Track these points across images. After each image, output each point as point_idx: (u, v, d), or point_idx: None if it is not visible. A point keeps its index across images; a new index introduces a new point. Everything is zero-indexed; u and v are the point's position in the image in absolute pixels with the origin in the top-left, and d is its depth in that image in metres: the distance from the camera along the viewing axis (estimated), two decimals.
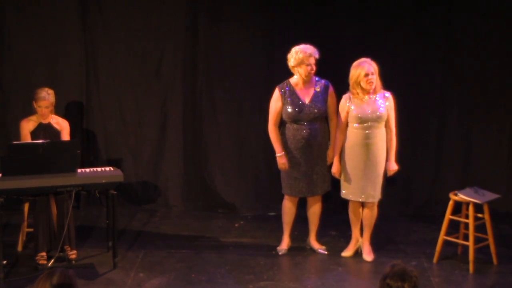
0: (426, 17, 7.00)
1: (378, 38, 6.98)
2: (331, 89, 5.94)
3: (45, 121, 6.09)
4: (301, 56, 5.79)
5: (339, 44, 6.97)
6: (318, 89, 5.91)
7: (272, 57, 7.05)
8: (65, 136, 6.16)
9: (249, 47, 7.17)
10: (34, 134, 6.04)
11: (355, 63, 5.73)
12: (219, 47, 7.17)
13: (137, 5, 7.14)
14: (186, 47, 7.19)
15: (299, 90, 5.91)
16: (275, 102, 5.95)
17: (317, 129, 5.90)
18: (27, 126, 6.06)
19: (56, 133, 6.12)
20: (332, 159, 5.93)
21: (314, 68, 5.84)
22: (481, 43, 6.98)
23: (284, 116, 5.93)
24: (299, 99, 5.88)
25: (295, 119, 5.87)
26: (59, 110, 6.80)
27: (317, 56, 5.82)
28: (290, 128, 5.93)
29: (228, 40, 7.16)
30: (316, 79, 5.94)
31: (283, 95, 5.91)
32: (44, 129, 6.07)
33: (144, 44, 7.18)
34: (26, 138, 6.02)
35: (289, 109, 5.87)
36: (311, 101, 5.87)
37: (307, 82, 5.90)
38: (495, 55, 6.99)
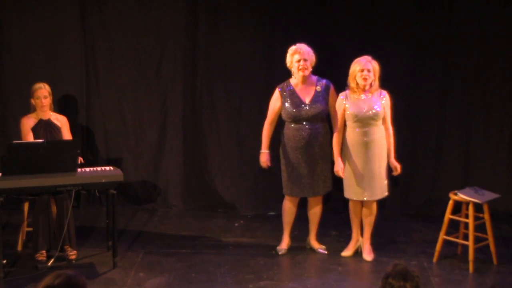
0: (426, 17, 7.00)
1: (378, 38, 6.98)
2: (332, 89, 5.93)
3: (45, 117, 6.09)
4: (289, 54, 5.85)
5: (339, 44, 6.97)
6: (319, 89, 5.91)
7: (272, 57, 7.05)
8: (66, 132, 6.17)
9: (249, 47, 7.17)
10: (35, 130, 6.04)
11: (356, 59, 5.76)
12: (219, 47, 7.17)
13: (136, 4, 7.14)
14: (186, 47, 7.19)
15: (299, 90, 5.91)
16: (274, 101, 5.97)
17: (318, 128, 5.89)
18: (28, 122, 6.06)
19: (57, 128, 6.12)
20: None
21: (306, 65, 5.82)
22: (481, 43, 6.98)
23: (284, 116, 5.94)
24: (299, 98, 5.88)
25: (295, 118, 5.88)
26: (59, 109, 6.81)
27: (306, 51, 5.80)
28: (290, 127, 5.93)
29: (228, 40, 7.16)
30: (317, 78, 5.95)
31: (282, 95, 5.92)
32: (45, 125, 6.07)
33: (144, 44, 7.19)
34: (28, 134, 6.02)
35: (289, 109, 5.88)
36: (312, 101, 5.87)
37: (306, 81, 5.90)
38: (495, 55, 6.99)
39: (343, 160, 5.88)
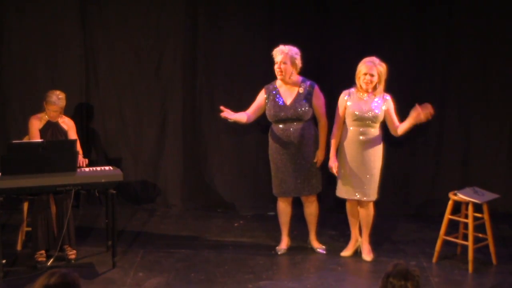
0: (426, 17, 7.00)
1: (378, 38, 6.98)
2: (316, 91, 5.89)
3: (53, 120, 6.09)
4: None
5: (339, 44, 6.98)
6: (301, 91, 5.89)
7: (272, 57, 7.04)
8: (73, 135, 6.17)
9: (249, 47, 7.17)
10: (43, 131, 6.04)
11: (364, 59, 5.73)
12: (219, 46, 7.17)
13: (136, 4, 7.15)
14: (186, 46, 7.20)
15: (283, 91, 5.92)
16: (259, 99, 5.98)
17: (302, 129, 5.87)
18: (37, 123, 6.03)
19: (63, 131, 6.12)
20: (321, 160, 5.91)
21: (282, 69, 5.81)
22: (481, 43, 6.98)
23: (267, 116, 5.95)
24: (280, 99, 5.88)
25: (276, 119, 5.90)
26: None
27: (287, 54, 5.79)
28: (275, 128, 5.94)
29: (228, 39, 7.16)
30: (302, 79, 5.93)
31: (267, 95, 5.94)
32: (52, 127, 6.07)
33: (144, 43, 7.19)
34: (35, 135, 6.01)
35: (270, 109, 5.90)
36: (293, 102, 5.86)
37: (289, 83, 5.89)
38: (495, 55, 7.00)
39: (339, 157, 5.87)
